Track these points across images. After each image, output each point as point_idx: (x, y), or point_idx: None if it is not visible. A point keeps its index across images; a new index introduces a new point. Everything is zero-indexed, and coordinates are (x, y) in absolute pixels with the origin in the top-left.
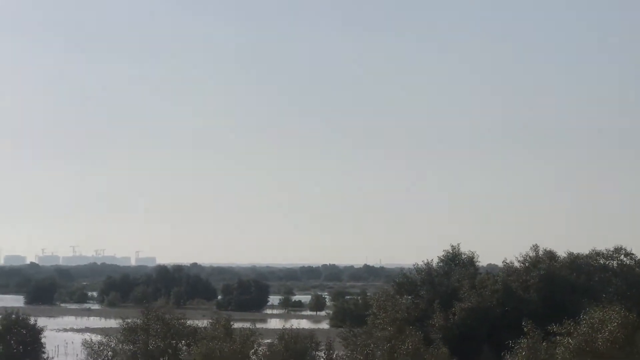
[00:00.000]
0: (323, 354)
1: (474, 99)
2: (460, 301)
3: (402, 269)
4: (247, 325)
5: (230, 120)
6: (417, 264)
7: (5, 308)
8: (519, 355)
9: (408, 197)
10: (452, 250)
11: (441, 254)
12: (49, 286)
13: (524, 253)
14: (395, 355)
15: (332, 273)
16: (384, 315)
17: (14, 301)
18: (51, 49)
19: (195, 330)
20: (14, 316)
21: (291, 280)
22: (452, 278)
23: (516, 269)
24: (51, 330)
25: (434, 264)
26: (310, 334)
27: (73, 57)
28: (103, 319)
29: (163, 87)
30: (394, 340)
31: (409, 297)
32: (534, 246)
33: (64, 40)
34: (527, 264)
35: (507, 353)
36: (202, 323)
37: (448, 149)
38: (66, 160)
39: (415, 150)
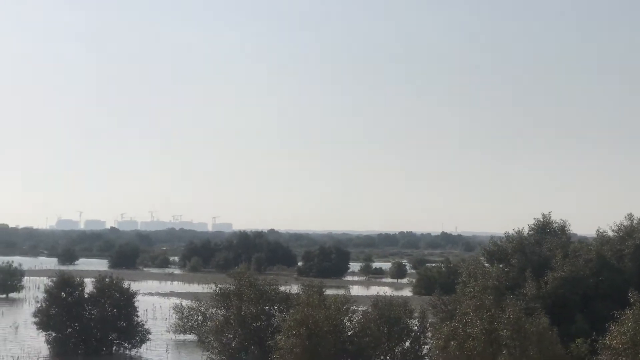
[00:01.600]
0: (417, 322)
1: None
2: (553, 270)
3: (491, 236)
4: (330, 292)
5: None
6: (508, 232)
7: (99, 272)
8: (625, 325)
9: (484, 164)
10: (543, 218)
11: (522, 222)
12: (132, 251)
13: (618, 222)
14: (496, 324)
15: (409, 241)
16: (474, 283)
17: (99, 265)
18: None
19: (287, 296)
20: (107, 280)
21: (369, 247)
22: (543, 247)
23: (610, 238)
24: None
25: (525, 232)
26: (404, 301)
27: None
28: (186, 284)
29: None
30: (494, 309)
31: (500, 265)
32: (628, 215)
33: None
34: (621, 234)
35: (600, 323)
36: (285, 289)
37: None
38: (142, 128)
39: (501, 117)
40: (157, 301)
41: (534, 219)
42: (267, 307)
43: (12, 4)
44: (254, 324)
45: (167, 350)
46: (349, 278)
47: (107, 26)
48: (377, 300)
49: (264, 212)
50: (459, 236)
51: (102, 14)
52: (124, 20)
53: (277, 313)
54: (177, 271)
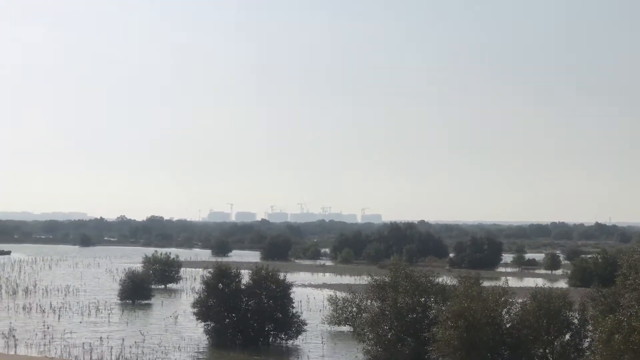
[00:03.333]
0: (577, 315)
1: None
2: None
3: None
4: (484, 284)
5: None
6: None
7: (254, 263)
8: None
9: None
10: None
11: None
12: (284, 242)
13: None
14: None
15: (561, 231)
16: (635, 275)
17: (251, 256)
18: None
19: (443, 288)
20: (263, 271)
21: (520, 238)
22: None
23: None
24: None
25: None
26: (563, 293)
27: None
28: (338, 275)
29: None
30: None
31: None
32: None
33: None
34: None
35: None
36: (440, 280)
37: None
38: (292, 123)
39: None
40: (310, 292)
41: None
42: (422, 299)
43: None
44: (410, 316)
45: (322, 342)
46: (502, 269)
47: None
48: (535, 292)
49: (413, 203)
50: (614, 227)
51: None
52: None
53: (433, 305)
54: (328, 263)
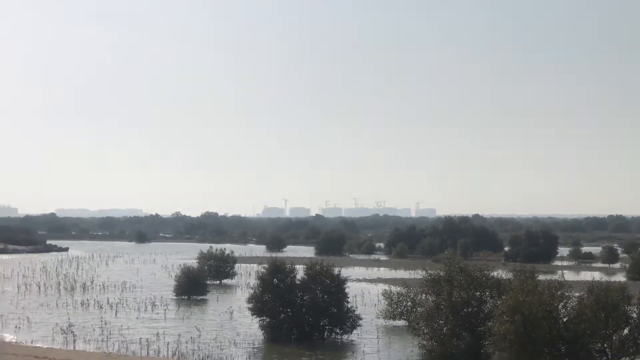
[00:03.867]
0: (635, 309)
1: None
2: None
3: None
4: (540, 277)
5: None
6: None
7: (310, 259)
8: None
9: None
10: None
11: None
12: (338, 237)
13: None
14: None
15: (619, 224)
16: None
17: (305, 252)
18: None
19: (499, 281)
20: (318, 266)
21: (576, 231)
22: None
23: None
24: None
25: None
26: (622, 287)
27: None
28: (392, 270)
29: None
30: None
31: None
32: None
33: None
34: None
35: None
36: (495, 274)
37: None
38: (342, 117)
39: None
40: (365, 287)
41: None
42: (478, 293)
43: None
44: (465, 310)
45: (377, 336)
46: (557, 263)
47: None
48: (592, 286)
49: (467, 196)
50: None
51: None
52: None
53: (488, 299)
54: (382, 257)
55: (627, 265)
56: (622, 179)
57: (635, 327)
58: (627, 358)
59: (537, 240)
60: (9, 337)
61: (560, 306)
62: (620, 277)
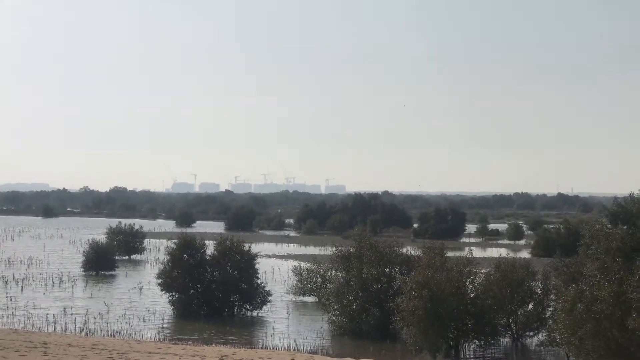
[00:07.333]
0: (540, 284)
1: None
2: None
3: (615, 197)
4: (448, 254)
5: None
6: (633, 193)
7: (220, 234)
8: None
9: (599, 126)
10: None
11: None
12: (248, 213)
13: None
14: (624, 287)
15: (525, 202)
16: (597, 245)
17: (215, 227)
18: None
19: (408, 258)
20: (228, 242)
21: (483, 208)
22: None
23: None
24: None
25: None
26: (527, 263)
27: None
28: (302, 246)
29: None
30: (622, 272)
31: (624, 227)
32: None
33: None
34: None
35: None
36: (404, 251)
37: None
38: (258, 91)
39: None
40: (275, 263)
41: None
42: (387, 269)
43: None
44: (375, 286)
45: (287, 312)
46: (465, 240)
47: None
48: (499, 262)
49: (377, 173)
50: (576, 197)
51: None
52: None
53: (398, 275)
54: (292, 233)
55: (532, 242)
56: (528, 158)
57: (539, 302)
58: (531, 332)
59: (445, 217)
60: None
61: (467, 282)
62: (525, 254)
